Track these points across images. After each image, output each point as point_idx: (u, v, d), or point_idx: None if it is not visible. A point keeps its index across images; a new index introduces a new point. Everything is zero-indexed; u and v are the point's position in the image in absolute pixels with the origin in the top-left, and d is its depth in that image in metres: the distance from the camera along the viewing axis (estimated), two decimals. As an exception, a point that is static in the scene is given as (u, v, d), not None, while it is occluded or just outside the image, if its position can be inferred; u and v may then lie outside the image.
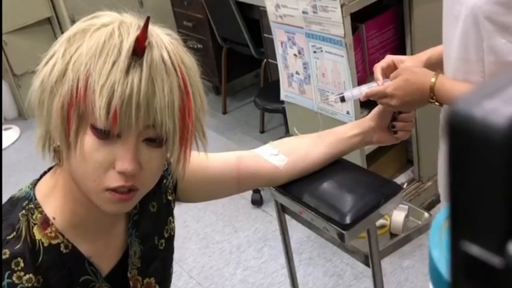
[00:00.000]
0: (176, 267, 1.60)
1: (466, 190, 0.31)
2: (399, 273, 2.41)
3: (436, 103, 1.22)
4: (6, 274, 0.84)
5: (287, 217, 1.54)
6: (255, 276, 2.57)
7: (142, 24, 0.80)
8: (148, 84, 0.78)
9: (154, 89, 0.78)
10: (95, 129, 0.80)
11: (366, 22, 2.36)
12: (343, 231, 1.17)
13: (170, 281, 1.11)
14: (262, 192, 3.00)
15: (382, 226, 1.47)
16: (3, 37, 3.98)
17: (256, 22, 3.26)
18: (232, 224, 2.92)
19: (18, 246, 0.86)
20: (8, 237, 0.86)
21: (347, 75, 2.17)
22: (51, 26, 4.24)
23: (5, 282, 0.84)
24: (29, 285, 0.86)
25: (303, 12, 2.19)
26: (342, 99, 1.37)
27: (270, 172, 1.20)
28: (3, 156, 3.85)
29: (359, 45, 2.34)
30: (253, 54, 3.43)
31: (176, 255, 1.14)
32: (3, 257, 0.85)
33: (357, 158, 2.24)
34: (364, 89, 1.33)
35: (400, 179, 2.69)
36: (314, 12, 2.14)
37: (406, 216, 1.46)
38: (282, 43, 2.41)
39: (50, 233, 0.89)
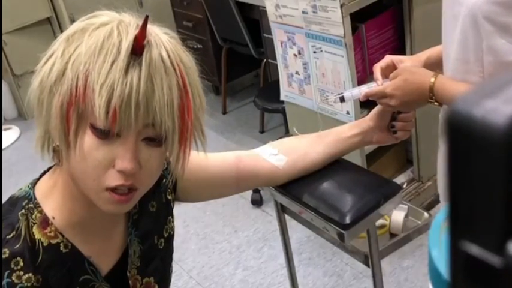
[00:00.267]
0: (176, 267, 1.60)
1: (465, 189, 0.31)
2: (399, 273, 2.41)
3: (436, 103, 1.22)
4: (6, 273, 0.84)
5: (287, 217, 1.53)
6: (254, 276, 2.57)
7: (141, 23, 0.80)
8: (147, 83, 0.78)
9: (153, 88, 0.78)
10: (95, 129, 0.80)
11: (366, 22, 2.36)
12: (343, 231, 1.17)
13: (170, 281, 1.11)
14: (262, 192, 3.00)
15: (382, 226, 1.47)
16: (3, 37, 3.98)
17: (256, 22, 3.26)
18: (232, 224, 2.92)
19: (17, 245, 0.86)
20: (7, 237, 0.86)
21: (347, 75, 2.17)
22: (51, 26, 4.24)
23: (4, 282, 0.84)
24: (29, 284, 0.86)
25: (303, 12, 2.19)
26: (342, 99, 1.37)
27: (270, 172, 1.20)
28: (3, 156, 3.85)
29: (359, 45, 2.34)
30: (253, 54, 3.43)
31: (176, 255, 1.14)
32: (3, 256, 0.85)
33: (356, 158, 2.24)
34: (364, 89, 1.33)
35: (400, 179, 2.69)
36: (314, 12, 2.14)
37: (406, 216, 1.46)
38: (281, 43, 2.41)
39: (50, 232, 0.89)
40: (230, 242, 2.81)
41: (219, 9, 3.43)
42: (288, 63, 2.43)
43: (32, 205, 0.89)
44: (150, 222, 1.03)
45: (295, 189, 1.26)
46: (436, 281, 0.42)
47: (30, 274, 0.86)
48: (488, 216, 0.30)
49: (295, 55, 2.37)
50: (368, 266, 1.33)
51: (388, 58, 1.36)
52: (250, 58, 3.50)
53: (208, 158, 1.14)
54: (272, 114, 3.52)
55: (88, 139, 0.80)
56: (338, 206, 1.20)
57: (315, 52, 2.26)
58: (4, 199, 0.93)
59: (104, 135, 0.80)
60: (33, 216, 0.88)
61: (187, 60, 0.86)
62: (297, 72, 2.40)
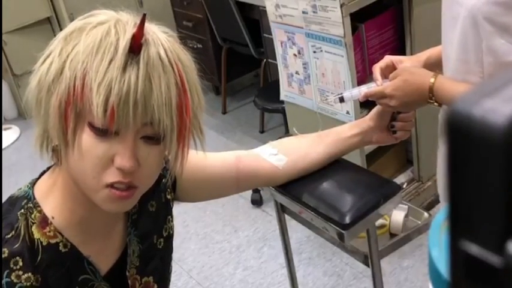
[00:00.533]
0: (176, 267, 1.60)
1: (465, 189, 0.31)
2: (399, 273, 2.41)
3: (435, 103, 1.22)
4: (5, 273, 0.84)
5: (287, 217, 1.53)
6: (254, 276, 2.57)
7: (138, 21, 0.80)
8: (145, 82, 0.78)
9: (151, 86, 0.78)
10: (93, 127, 0.80)
11: (366, 22, 2.36)
12: (343, 231, 1.17)
13: (169, 280, 1.11)
14: (261, 192, 3.00)
15: (382, 226, 1.47)
16: (3, 37, 3.98)
17: (256, 22, 3.26)
18: (232, 224, 2.92)
19: (17, 245, 0.86)
20: (6, 236, 0.86)
21: (347, 75, 2.17)
22: (51, 25, 4.24)
23: (4, 281, 0.84)
24: (28, 284, 0.86)
25: (303, 12, 2.19)
26: (341, 100, 1.37)
27: (269, 172, 1.20)
28: (3, 156, 3.85)
29: (359, 45, 2.34)
30: (253, 54, 3.43)
31: (176, 255, 1.14)
32: (2, 256, 0.85)
33: (356, 158, 2.24)
34: (363, 89, 1.33)
35: (400, 179, 2.69)
36: (314, 12, 2.14)
37: (406, 216, 1.46)
38: (281, 43, 2.41)
39: (49, 232, 0.89)
40: (230, 242, 2.81)
41: (219, 9, 3.43)
42: (288, 63, 2.43)
43: (31, 205, 0.89)
44: (150, 222, 1.03)
45: (295, 189, 1.26)
46: (436, 281, 0.42)
47: (30, 274, 0.86)
48: (488, 216, 0.30)
49: (295, 55, 2.37)
50: (368, 265, 1.33)
51: (388, 58, 1.36)
52: (250, 58, 3.50)
53: (208, 158, 1.14)
54: (272, 114, 3.53)
55: (86, 137, 0.80)
56: (338, 206, 1.20)
57: (315, 52, 2.26)
58: (4, 199, 0.93)
59: (102, 133, 0.80)
60: (33, 215, 0.88)
61: (186, 58, 0.86)
62: (297, 72, 2.40)
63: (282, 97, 2.57)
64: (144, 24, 0.80)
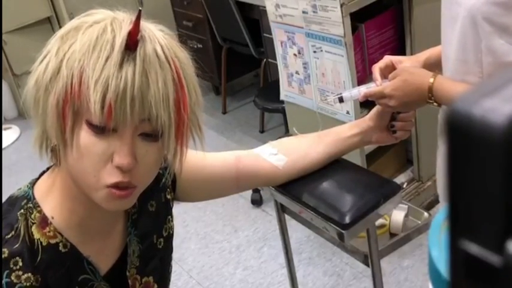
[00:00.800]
0: (176, 267, 1.60)
1: (465, 189, 0.31)
2: (399, 272, 2.41)
3: (435, 103, 1.22)
4: (5, 273, 0.84)
5: (287, 217, 1.53)
6: (254, 276, 2.57)
7: (134, 19, 0.80)
8: (142, 78, 0.78)
9: (148, 82, 0.78)
10: (91, 125, 0.80)
11: (366, 22, 2.36)
12: (343, 231, 1.17)
13: (169, 280, 1.11)
14: (261, 192, 3.00)
15: (382, 226, 1.47)
16: (3, 36, 3.98)
17: (256, 22, 3.26)
18: (231, 224, 2.92)
19: (16, 245, 0.86)
20: (6, 237, 0.86)
21: (347, 75, 2.17)
22: (51, 25, 4.24)
23: (3, 281, 0.84)
24: (28, 284, 0.85)
25: (303, 12, 2.19)
26: (341, 100, 1.36)
27: (269, 172, 1.20)
28: (3, 156, 3.85)
29: (359, 45, 2.34)
30: (253, 54, 3.43)
31: (176, 255, 1.14)
32: (2, 256, 0.85)
33: (356, 158, 2.24)
34: (363, 90, 1.33)
35: (400, 179, 2.69)
36: (314, 11, 2.14)
37: (406, 216, 1.46)
38: (281, 43, 2.41)
39: (49, 232, 0.89)
40: (230, 242, 2.81)
41: (219, 9, 3.43)
42: (288, 63, 2.43)
43: (31, 205, 0.89)
44: (149, 222, 1.03)
45: (295, 189, 1.26)
46: (436, 281, 0.42)
47: (30, 274, 0.86)
48: (487, 215, 0.30)
49: (295, 55, 2.37)
50: (368, 265, 1.33)
51: (387, 58, 1.36)
52: (250, 58, 3.50)
53: (208, 157, 1.14)
54: (272, 114, 3.53)
55: (84, 135, 0.80)
56: (338, 206, 1.20)
57: (315, 52, 2.26)
58: (4, 199, 0.93)
59: (100, 130, 0.80)
60: (33, 216, 0.88)
61: (183, 55, 0.86)
62: (297, 72, 2.40)
63: (282, 97, 2.57)
64: (139, 21, 0.80)
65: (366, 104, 1.54)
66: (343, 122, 1.66)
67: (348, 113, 2.24)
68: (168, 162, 0.90)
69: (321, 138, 1.28)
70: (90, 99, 0.76)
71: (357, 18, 2.24)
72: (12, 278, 0.85)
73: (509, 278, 0.30)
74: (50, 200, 0.90)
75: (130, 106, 0.77)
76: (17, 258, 0.85)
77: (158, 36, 0.83)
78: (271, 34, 2.47)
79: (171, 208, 1.08)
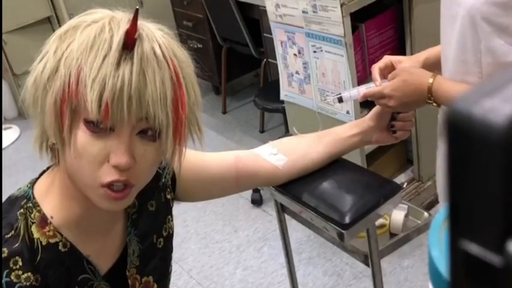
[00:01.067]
0: (176, 267, 1.60)
1: (465, 189, 0.31)
2: (399, 272, 2.41)
3: (434, 104, 1.22)
4: (5, 273, 0.84)
5: (287, 217, 1.53)
6: (254, 276, 2.57)
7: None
8: (139, 77, 0.78)
9: (145, 81, 0.78)
10: (88, 124, 0.80)
11: (366, 22, 2.36)
12: (343, 231, 1.17)
13: (169, 280, 1.11)
14: (261, 192, 3.00)
15: (382, 226, 1.47)
16: (3, 36, 3.98)
17: (256, 22, 3.26)
18: (232, 224, 2.92)
19: (16, 245, 0.86)
20: (6, 236, 0.86)
21: (347, 74, 2.17)
22: (51, 25, 4.24)
23: (3, 281, 0.84)
24: (28, 283, 0.85)
25: (303, 11, 2.19)
26: (340, 100, 1.36)
27: (269, 172, 1.20)
28: (3, 156, 3.85)
29: (359, 44, 2.34)
30: (253, 54, 3.43)
31: (176, 255, 1.14)
32: (2, 255, 0.85)
33: (356, 158, 2.24)
34: (362, 90, 1.33)
35: (400, 179, 2.69)
36: (314, 11, 2.14)
37: (406, 216, 1.46)
38: (281, 43, 2.41)
39: (48, 231, 0.89)
40: (230, 242, 2.81)
41: (219, 9, 3.43)
42: (288, 62, 2.43)
43: (30, 204, 0.89)
44: (149, 222, 1.03)
45: (295, 188, 1.26)
46: (436, 281, 0.42)
47: (29, 273, 0.86)
48: (487, 215, 0.30)
49: (295, 55, 2.36)
50: (368, 265, 1.33)
51: (387, 58, 1.35)
52: (250, 58, 3.50)
53: (208, 157, 1.14)
54: (272, 113, 3.53)
55: (82, 135, 0.80)
56: (338, 206, 1.20)
57: (315, 52, 2.26)
58: (4, 199, 0.93)
59: (97, 129, 0.80)
60: (32, 215, 0.88)
61: (182, 54, 0.85)
62: (297, 72, 2.40)
63: (282, 97, 2.57)
64: (136, 20, 0.80)
65: (366, 104, 1.55)
66: (343, 122, 1.66)
67: (348, 113, 2.24)
68: (167, 161, 0.90)
69: (321, 138, 1.28)
70: (87, 98, 0.76)
71: (357, 18, 2.24)
72: (12, 277, 0.85)
73: (509, 278, 0.30)
74: (50, 199, 0.90)
75: (127, 105, 0.77)
76: (17, 257, 0.85)
77: (156, 35, 0.83)
78: (271, 34, 2.47)
79: (171, 208, 1.08)
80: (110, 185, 0.82)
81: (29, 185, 0.92)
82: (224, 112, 3.95)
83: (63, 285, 0.90)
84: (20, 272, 0.85)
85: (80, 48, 0.78)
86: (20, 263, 0.85)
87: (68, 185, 0.88)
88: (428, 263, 0.44)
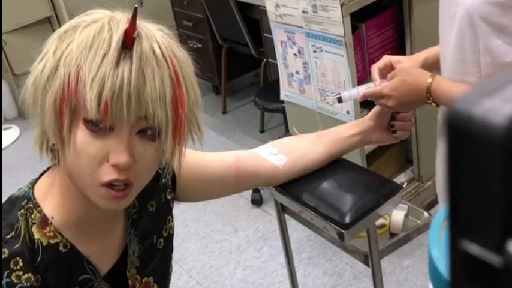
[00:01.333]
0: (176, 267, 1.60)
1: (465, 189, 0.31)
2: (399, 272, 2.41)
3: (433, 104, 1.22)
4: (5, 273, 0.84)
5: (287, 217, 1.53)
6: (254, 276, 2.57)
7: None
8: (138, 76, 0.78)
9: (145, 80, 0.78)
10: (87, 123, 0.80)
11: (366, 22, 2.36)
12: (343, 231, 1.17)
13: (169, 280, 1.11)
14: (261, 192, 3.00)
15: (382, 225, 1.47)
16: (3, 36, 3.98)
17: (256, 22, 3.26)
18: (232, 224, 2.92)
19: (17, 245, 0.86)
20: (6, 237, 0.86)
21: (347, 74, 2.17)
22: (51, 25, 4.24)
23: (4, 282, 0.84)
24: (28, 284, 0.85)
25: (303, 11, 2.19)
26: (339, 100, 1.36)
27: (269, 171, 1.20)
28: (3, 156, 3.85)
29: (359, 44, 2.34)
30: (253, 54, 3.43)
31: (176, 255, 1.14)
32: (2, 256, 0.85)
33: (356, 158, 2.24)
34: (362, 90, 1.33)
35: (400, 179, 2.69)
36: (314, 11, 2.14)
37: (406, 216, 1.46)
38: (281, 43, 2.41)
39: (49, 232, 0.89)
40: (230, 242, 2.81)
41: (219, 9, 3.43)
42: (288, 62, 2.43)
43: (31, 205, 0.89)
44: (150, 222, 1.03)
45: (295, 188, 1.26)
46: (436, 281, 0.42)
47: (30, 274, 0.86)
48: (487, 216, 0.30)
49: (295, 55, 2.36)
50: (368, 265, 1.33)
51: (386, 58, 1.35)
52: (250, 58, 3.50)
53: (208, 157, 1.14)
54: (272, 113, 3.53)
55: (81, 134, 0.80)
56: (338, 206, 1.20)
57: (315, 52, 2.26)
58: (4, 199, 0.93)
59: (96, 129, 0.80)
60: (33, 216, 0.88)
61: (181, 54, 0.86)
62: (297, 72, 2.40)
63: (282, 97, 2.57)
64: (135, 18, 0.80)
65: (366, 103, 1.55)
66: (343, 122, 1.65)
67: (348, 112, 2.24)
68: (167, 161, 0.90)
69: (321, 138, 1.28)
70: (87, 97, 0.77)
71: (357, 18, 2.24)
72: (13, 278, 0.85)
73: (509, 278, 0.30)
74: (50, 200, 0.90)
75: (126, 104, 0.77)
76: (17, 258, 0.85)
77: (156, 34, 0.83)
78: (271, 34, 2.47)
79: (171, 208, 1.08)
80: (110, 184, 0.82)
81: (29, 186, 0.92)
82: (224, 112, 3.95)
83: (63, 285, 0.90)
84: (21, 273, 0.85)
85: (79, 48, 0.78)
86: (21, 264, 0.85)
87: (68, 185, 0.88)
88: (428, 263, 0.44)
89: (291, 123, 2.60)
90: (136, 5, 0.81)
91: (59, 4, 4.12)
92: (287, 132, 2.79)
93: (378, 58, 1.40)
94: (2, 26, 3.76)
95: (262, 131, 3.66)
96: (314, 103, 2.36)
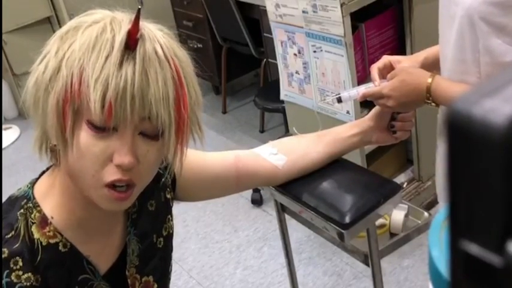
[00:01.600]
0: (176, 267, 1.60)
1: (465, 189, 0.31)
2: (399, 272, 2.41)
3: (433, 104, 1.22)
4: (5, 273, 0.84)
5: (287, 216, 1.53)
6: (254, 276, 2.57)
7: (133, 18, 0.80)
8: (142, 76, 0.78)
9: (148, 81, 0.79)
10: (91, 124, 0.80)
11: (366, 21, 2.36)
12: (343, 231, 1.17)
13: (169, 280, 1.11)
14: (262, 192, 3.00)
15: (382, 225, 1.47)
16: (3, 36, 3.98)
17: (256, 22, 3.26)
18: (232, 224, 2.92)
19: (16, 245, 0.86)
20: (6, 236, 0.86)
21: (347, 74, 2.17)
22: (51, 25, 4.24)
23: (4, 281, 0.84)
24: (28, 284, 0.86)
25: (303, 11, 2.19)
26: (339, 100, 1.36)
27: (269, 171, 1.20)
28: (3, 156, 3.85)
29: (359, 44, 2.34)
30: (253, 54, 3.43)
31: (176, 255, 1.14)
32: (2, 255, 0.85)
33: (356, 158, 2.24)
34: (361, 90, 1.33)
35: (400, 179, 2.69)
36: (314, 11, 2.14)
37: (406, 216, 1.46)
38: (281, 43, 2.41)
39: (49, 232, 0.89)
40: (230, 242, 2.81)
41: (219, 9, 3.43)
42: (288, 62, 2.43)
43: (31, 205, 0.89)
44: (149, 222, 1.03)
45: (295, 188, 1.26)
46: (436, 281, 0.42)
47: (30, 273, 0.86)
48: (488, 216, 0.30)
49: (295, 54, 2.36)
50: (368, 265, 1.33)
51: (386, 58, 1.35)
52: (250, 57, 3.50)
53: (208, 157, 1.14)
54: (272, 113, 3.53)
55: (85, 135, 0.80)
56: (338, 206, 1.20)
57: (315, 52, 2.26)
58: (4, 199, 0.93)
59: (100, 129, 0.80)
60: (32, 215, 0.88)
61: (182, 54, 0.86)
62: (297, 72, 2.40)
63: (282, 97, 2.57)
64: (139, 20, 0.80)
65: (366, 104, 1.55)
66: (343, 122, 1.66)
67: (348, 113, 2.24)
68: (168, 161, 0.90)
69: (321, 138, 1.28)
70: (90, 98, 0.77)
71: (357, 18, 2.24)
72: (12, 277, 0.85)
73: (509, 278, 0.30)
74: (50, 199, 0.90)
75: (130, 105, 0.78)
76: (17, 258, 0.85)
77: (158, 35, 0.83)
78: (271, 34, 2.47)
79: (170, 207, 1.08)
80: (113, 185, 0.82)
81: (29, 185, 0.92)
82: (224, 112, 3.95)
83: (63, 285, 0.90)
84: (20, 273, 0.85)
85: (82, 49, 0.78)
86: (20, 263, 0.85)
87: (68, 185, 0.88)
88: (428, 263, 0.44)
89: (291, 123, 2.60)
90: (139, 6, 0.81)
91: (59, 4, 4.12)
92: (287, 132, 2.79)
93: (378, 58, 1.40)
94: (2, 26, 3.76)
95: (262, 131, 3.66)
96: (314, 103, 2.36)
